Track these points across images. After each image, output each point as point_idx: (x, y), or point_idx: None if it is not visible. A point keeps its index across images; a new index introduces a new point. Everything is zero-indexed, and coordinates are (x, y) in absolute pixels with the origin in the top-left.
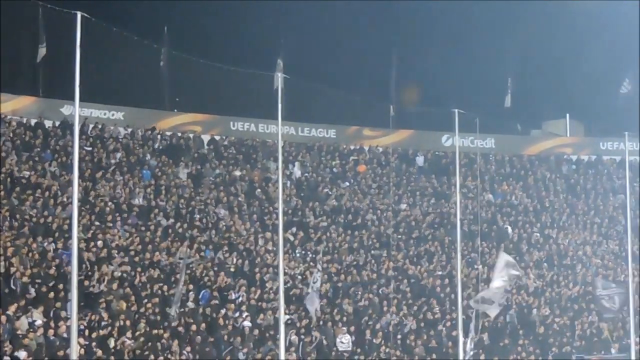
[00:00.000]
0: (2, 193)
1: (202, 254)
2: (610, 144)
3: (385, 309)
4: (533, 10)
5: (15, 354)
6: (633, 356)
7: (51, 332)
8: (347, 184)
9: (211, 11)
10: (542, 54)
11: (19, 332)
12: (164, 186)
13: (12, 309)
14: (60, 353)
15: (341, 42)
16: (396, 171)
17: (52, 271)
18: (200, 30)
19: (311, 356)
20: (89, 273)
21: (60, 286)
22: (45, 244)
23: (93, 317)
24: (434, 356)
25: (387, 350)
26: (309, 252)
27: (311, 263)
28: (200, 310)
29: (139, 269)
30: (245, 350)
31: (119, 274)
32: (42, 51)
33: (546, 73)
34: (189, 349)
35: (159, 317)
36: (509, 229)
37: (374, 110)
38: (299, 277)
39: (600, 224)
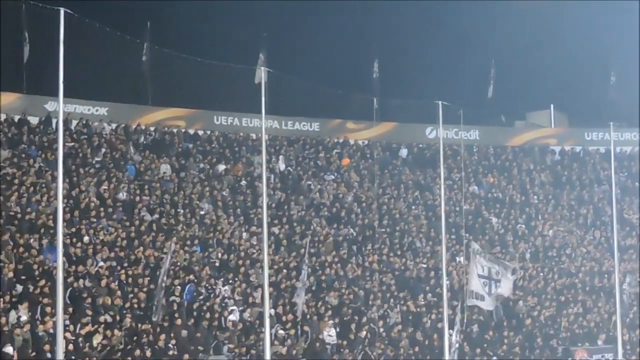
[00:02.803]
0: None
1: (187, 248)
2: (595, 134)
3: (370, 302)
4: (516, 2)
5: (3, 349)
6: (619, 347)
7: (40, 327)
8: (332, 177)
9: (193, 6)
10: (525, 44)
11: (5, 328)
12: (148, 181)
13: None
14: (47, 348)
15: (324, 35)
16: (380, 164)
17: (36, 267)
18: (182, 26)
19: (297, 349)
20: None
21: (46, 282)
22: (31, 240)
23: (79, 312)
24: (417, 349)
25: (373, 343)
26: (293, 246)
27: (296, 257)
28: (186, 304)
29: (124, 264)
30: (230, 344)
31: (105, 269)
32: (27, 48)
33: (530, 63)
34: (174, 342)
35: (144, 312)
36: (494, 221)
37: (357, 103)
38: (284, 270)
39: (586, 215)
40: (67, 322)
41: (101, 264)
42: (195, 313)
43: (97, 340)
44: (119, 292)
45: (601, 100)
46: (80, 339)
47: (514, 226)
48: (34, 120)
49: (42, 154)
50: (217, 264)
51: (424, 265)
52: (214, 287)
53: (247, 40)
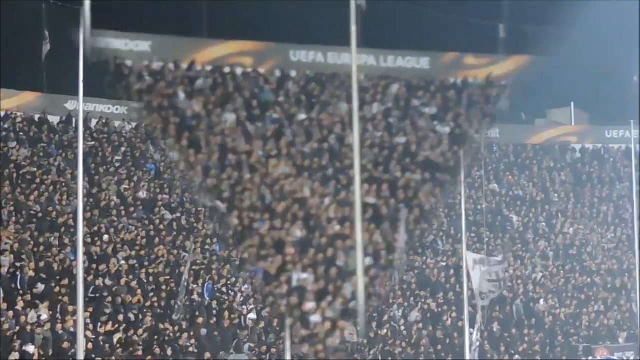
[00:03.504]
0: (8, 188)
1: (207, 247)
2: (616, 132)
3: (390, 300)
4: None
5: (24, 348)
6: None
7: (59, 326)
8: None
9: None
10: (546, 41)
11: (27, 326)
12: (168, 180)
13: (20, 304)
14: (66, 346)
15: None
16: None
17: (56, 266)
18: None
19: (317, 348)
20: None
21: (66, 281)
22: (52, 239)
23: (99, 311)
24: (439, 347)
25: (393, 341)
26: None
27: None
28: (206, 303)
29: (145, 263)
30: (251, 343)
31: (125, 268)
32: (47, 47)
33: (550, 60)
34: (193, 341)
35: (165, 311)
36: (515, 219)
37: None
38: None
39: (607, 213)
40: (88, 321)
41: (122, 262)
42: (215, 312)
43: (117, 338)
44: (139, 291)
45: (622, 97)
46: (101, 337)
47: (535, 224)
48: (54, 119)
49: (62, 153)
50: (237, 263)
51: (444, 264)
52: (234, 285)
53: None
